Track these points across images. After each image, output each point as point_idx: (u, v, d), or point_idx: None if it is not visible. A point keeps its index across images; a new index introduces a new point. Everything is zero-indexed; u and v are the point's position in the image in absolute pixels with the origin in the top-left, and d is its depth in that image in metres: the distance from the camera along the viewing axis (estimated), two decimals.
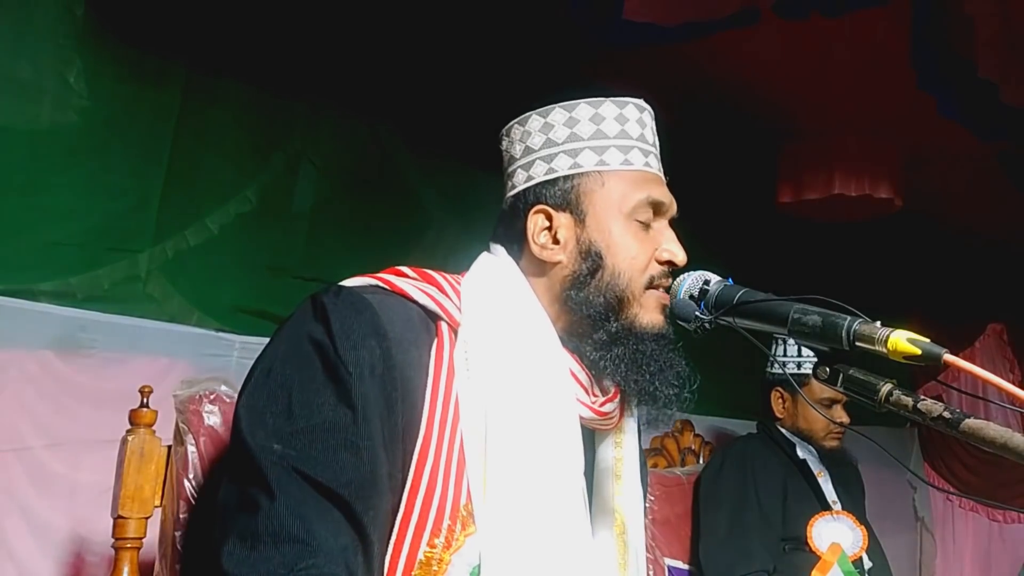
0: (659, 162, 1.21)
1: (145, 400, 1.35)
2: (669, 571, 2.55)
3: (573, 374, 1.11)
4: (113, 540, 1.27)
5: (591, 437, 1.20)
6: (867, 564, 2.46)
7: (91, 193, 2.22)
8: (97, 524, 2.01)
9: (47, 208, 2.14)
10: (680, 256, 1.15)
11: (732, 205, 3.85)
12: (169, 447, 1.30)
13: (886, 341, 0.85)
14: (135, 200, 2.32)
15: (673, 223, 1.20)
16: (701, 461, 3.06)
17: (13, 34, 2.09)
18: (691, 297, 1.09)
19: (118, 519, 1.27)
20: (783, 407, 2.72)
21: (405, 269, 1.11)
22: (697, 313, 1.06)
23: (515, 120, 1.20)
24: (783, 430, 2.72)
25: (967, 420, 0.81)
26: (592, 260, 1.12)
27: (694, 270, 1.12)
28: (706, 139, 3.61)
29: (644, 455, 1.32)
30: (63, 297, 2.16)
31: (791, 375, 2.60)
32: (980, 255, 4.73)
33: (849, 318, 0.89)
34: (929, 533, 5.16)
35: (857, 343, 0.88)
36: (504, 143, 1.22)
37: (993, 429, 0.80)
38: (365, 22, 2.76)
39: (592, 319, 1.11)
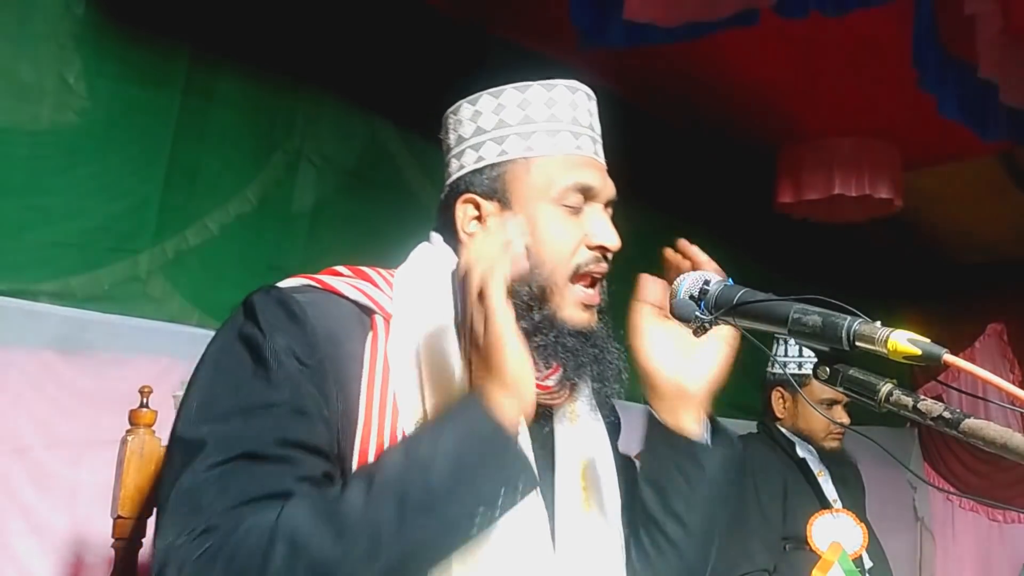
0: (594, 144, 1.18)
1: (145, 400, 1.35)
2: None
3: None
4: (113, 540, 1.27)
5: (547, 413, 1.18)
6: (867, 563, 2.46)
7: (91, 193, 2.22)
8: (97, 524, 2.00)
9: (47, 208, 2.14)
10: (612, 240, 1.13)
11: (732, 205, 3.85)
12: None
13: (886, 341, 0.85)
14: (135, 200, 2.32)
15: (613, 206, 1.17)
16: None
17: (13, 34, 2.09)
18: (691, 297, 1.08)
19: (118, 519, 1.26)
20: (784, 407, 2.72)
21: (341, 268, 1.12)
22: (697, 313, 1.06)
23: (449, 109, 1.20)
24: (783, 430, 2.72)
25: (967, 420, 0.81)
26: None
27: (694, 270, 1.12)
28: (707, 139, 3.61)
29: (609, 409, 1.29)
30: (63, 297, 2.16)
31: (792, 375, 2.60)
32: (980, 255, 4.73)
33: (849, 318, 0.89)
34: (929, 533, 5.16)
35: (857, 343, 0.87)
36: (442, 133, 1.22)
37: (993, 429, 0.79)
38: (364, 21, 2.76)
39: (517, 308, 1.08)
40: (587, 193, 1.13)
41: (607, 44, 2.60)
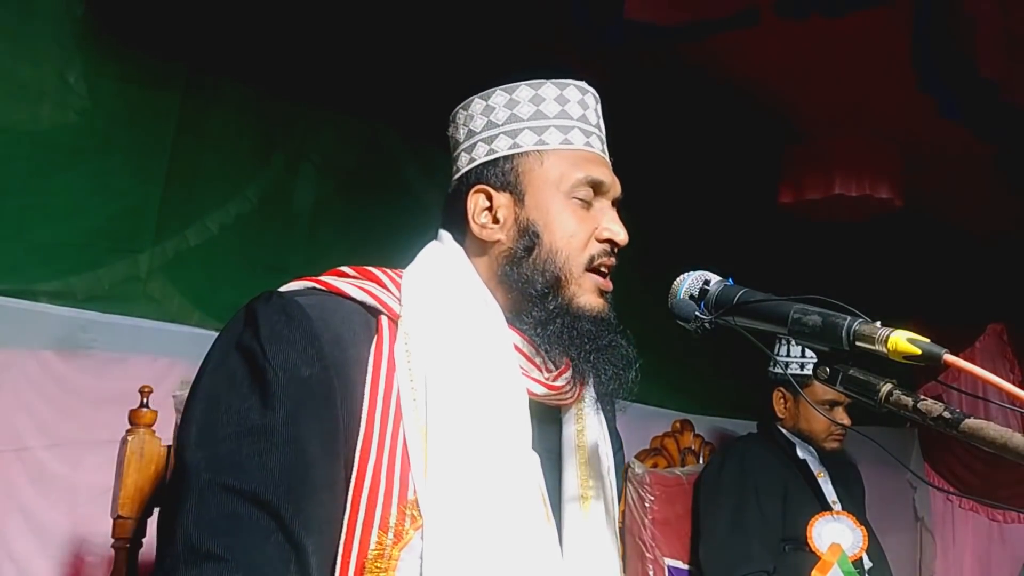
0: (602, 143, 1.21)
1: (145, 400, 1.35)
2: (669, 571, 2.55)
3: (519, 349, 1.10)
4: (113, 540, 1.27)
5: (556, 415, 1.19)
6: (867, 564, 2.46)
7: (91, 193, 2.22)
8: (97, 524, 2.01)
9: (47, 208, 2.14)
10: (621, 235, 1.15)
11: (732, 205, 3.85)
12: (169, 447, 1.30)
13: (886, 341, 0.85)
14: (135, 200, 2.32)
15: (619, 205, 1.19)
16: (701, 461, 3.06)
17: (13, 34, 2.09)
18: (691, 297, 1.08)
19: (118, 519, 1.26)
20: (784, 407, 2.72)
21: (346, 269, 1.12)
22: (697, 313, 1.06)
23: (459, 105, 1.22)
24: (783, 430, 2.72)
25: (967, 420, 0.81)
26: (529, 238, 1.12)
27: (694, 270, 1.12)
28: (707, 139, 3.61)
29: (613, 430, 1.29)
30: (63, 297, 2.17)
31: (792, 376, 2.60)
32: (980, 255, 4.73)
33: (849, 318, 0.89)
34: (929, 533, 5.15)
35: (857, 343, 0.87)
36: (450, 129, 1.23)
37: (993, 429, 0.79)
38: (363, 22, 2.76)
39: (530, 297, 1.11)
40: (597, 188, 1.16)
41: (607, 44, 2.60)
